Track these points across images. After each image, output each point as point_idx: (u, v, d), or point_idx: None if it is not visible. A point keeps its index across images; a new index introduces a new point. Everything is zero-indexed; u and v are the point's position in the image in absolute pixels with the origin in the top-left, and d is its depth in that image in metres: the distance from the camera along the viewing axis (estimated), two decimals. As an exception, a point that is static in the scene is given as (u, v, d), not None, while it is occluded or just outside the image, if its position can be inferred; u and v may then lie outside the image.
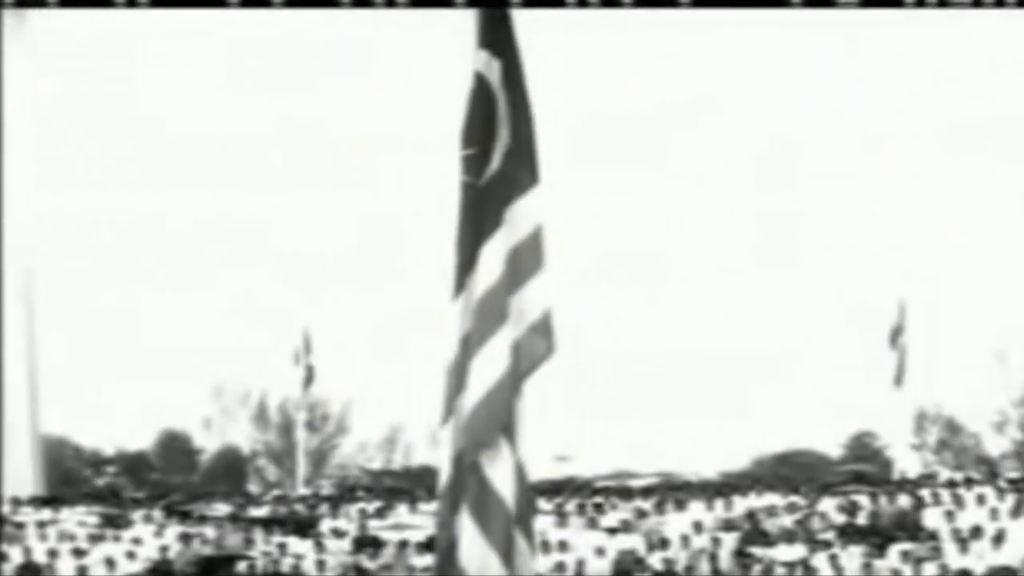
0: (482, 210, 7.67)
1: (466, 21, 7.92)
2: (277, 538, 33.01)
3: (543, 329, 7.69)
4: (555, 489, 36.21)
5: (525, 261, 7.71)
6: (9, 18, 44.87)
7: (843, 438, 60.35)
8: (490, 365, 7.55)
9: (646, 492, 35.69)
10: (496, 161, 7.70)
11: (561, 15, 32.65)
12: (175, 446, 62.99)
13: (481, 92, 7.70)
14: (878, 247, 54.56)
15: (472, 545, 7.54)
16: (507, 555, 7.55)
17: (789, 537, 31.41)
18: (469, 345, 7.61)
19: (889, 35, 53.62)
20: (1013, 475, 37.39)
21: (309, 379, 46.21)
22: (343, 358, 49.90)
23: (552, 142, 8.08)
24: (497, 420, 7.56)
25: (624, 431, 54.30)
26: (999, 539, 30.01)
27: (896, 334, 41.10)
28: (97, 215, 58.82)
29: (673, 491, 35.56)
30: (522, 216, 7.71)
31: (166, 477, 60.30)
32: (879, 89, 57.94)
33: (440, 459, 7.66)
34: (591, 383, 51.21)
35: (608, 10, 31.87)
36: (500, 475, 7.57)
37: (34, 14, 44.37)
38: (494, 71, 7.70)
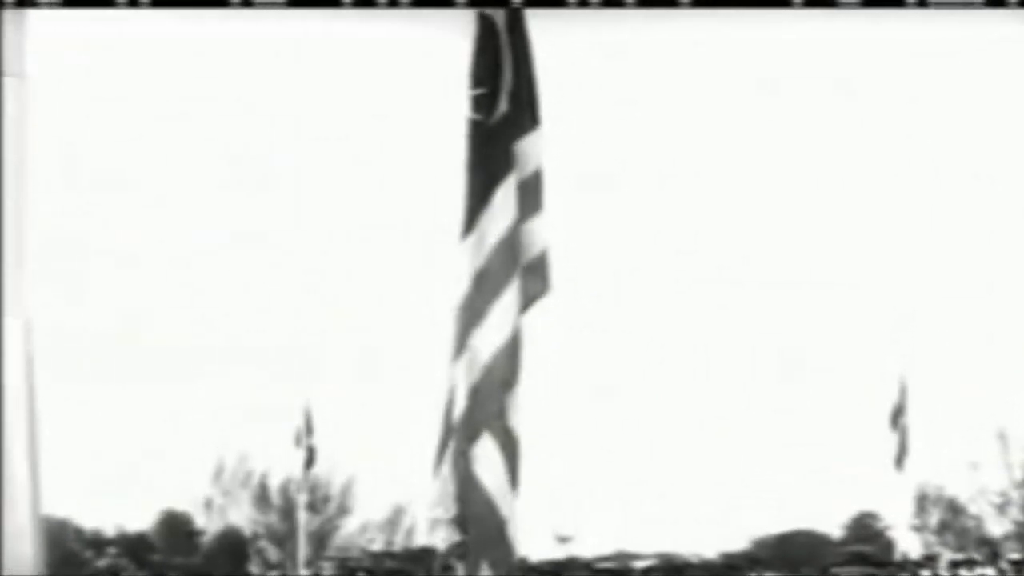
0: (493, 149, 7.78)
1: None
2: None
3: (539, 268, 7.81)
4: (556, 570, 36.14)
5: (525, 200, 7.81)
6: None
7: (844, 519, 60.13)
8: (512, 306, 7.68)
9: (647, 573, 35.63)
10: (503, 102, 7.81)
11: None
12: (176, 527, 62.77)
13: (487, 32, 7.81)
14: (879, 327, 54.60)
15: (497, 473, 7.62)
16: (513, 482, 7.66)
17: (791, 618, 31.35)
18: (485, 282, 7.68)
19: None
20: (1015, 556, 37.36)
21: (310, 460, 46.17)
22: (345, 439, 49.83)
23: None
24: (519, 361, 7.68)
25: (625, 511, 54.15)
26: (1001, 620, 29.97)
27: (897, 415, 41.09)
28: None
29: (674, 572, 35.50)
30: (523, 157, 7.83)
31: (167, 559, 60.06)
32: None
33: (454, 394, 7.65)
34: (591, 463, 51.20)
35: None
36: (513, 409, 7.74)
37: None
38: (499, 16, 7.82)
